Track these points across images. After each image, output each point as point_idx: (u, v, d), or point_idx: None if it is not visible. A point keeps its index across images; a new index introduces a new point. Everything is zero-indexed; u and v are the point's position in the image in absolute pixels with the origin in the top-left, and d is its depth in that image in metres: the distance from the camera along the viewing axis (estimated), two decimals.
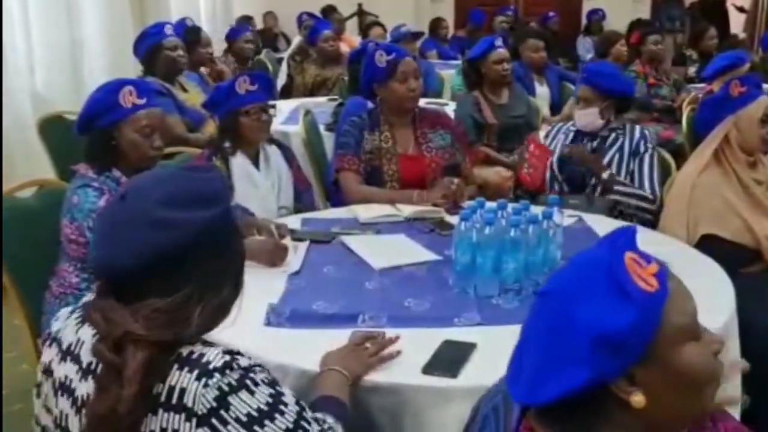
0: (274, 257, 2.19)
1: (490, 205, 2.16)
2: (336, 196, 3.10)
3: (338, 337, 1.72)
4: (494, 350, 1.68)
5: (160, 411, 1.13)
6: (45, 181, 2.73)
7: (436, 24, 8.65)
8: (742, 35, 9.37)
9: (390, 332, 1.76)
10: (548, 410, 0.98)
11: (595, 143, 3.02)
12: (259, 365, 1.21)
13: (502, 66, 4.03)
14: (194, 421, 1.13)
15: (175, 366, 1.15)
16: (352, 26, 9.18)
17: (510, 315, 1.87)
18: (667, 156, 3.12)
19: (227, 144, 2.81)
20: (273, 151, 2.92)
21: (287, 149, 3.05)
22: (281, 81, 6.70)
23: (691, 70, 6.26)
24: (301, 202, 3.00)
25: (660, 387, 0.93)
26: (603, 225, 2.56)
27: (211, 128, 4.03)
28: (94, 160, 2.32)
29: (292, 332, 1.79)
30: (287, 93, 6.32)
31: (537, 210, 2.09)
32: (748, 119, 2.51)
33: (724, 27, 9.30)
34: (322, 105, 4.87)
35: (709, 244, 2.40)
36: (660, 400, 0.93)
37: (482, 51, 4.06)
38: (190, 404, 1.13)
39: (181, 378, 1.14)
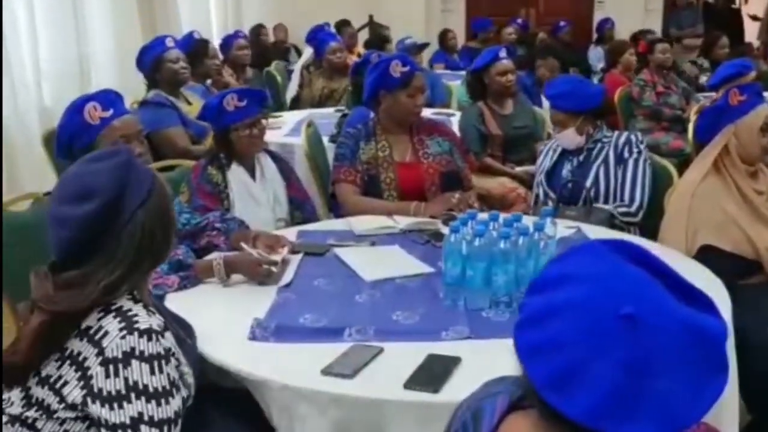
0: (255, 272, 2.15)
1: (482, 216, 2.14)
2: (336, 208, 3.10)
3: (323, 351, 1.70)
4: (480, 364, 1.66)
5: (85, 339, 1.39)
6: (38, 195, 2.72)
7: (444, 35, 8.64)
8: (756, 43, 9.29)
9: (376, 345, 1.74)
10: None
11: (581, 157, 3.00)
12: (177, 361, 1.45)
13: (506, 77, 3.99)
14: (100, 358, 1.38)
15: (110, 314, 1.41)
16: (364, 37, 9.18)
17: (500, 328, 1.84)
18: (669, 165, 3.08)
19: (222, 156, 2.81)
20: (268, 163, 2.91)
21: (283, 162, 3.04)
22: (291, 92, 6.70)
23: (703, 79, 6.19)
24: (304, 211, 2.99)
25: None
26: (602, 236, 2.53)
27: None
28: None
29: (276, 346, 1.77)
30: (297, 104, 6.32)
31: (529, 221, 2.07)
32: (748, 128, 2.46)
33: (739, 35, 9.22)
34: (329, 116, 4.86)
35: (708, 255, 2.35)
36: None
37: (486, 62, 4.04)
38: (104, 344, 1.38)
39: (108, 323, 1.39)
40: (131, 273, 1.43)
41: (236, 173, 2.80)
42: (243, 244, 2.26)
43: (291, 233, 2.60)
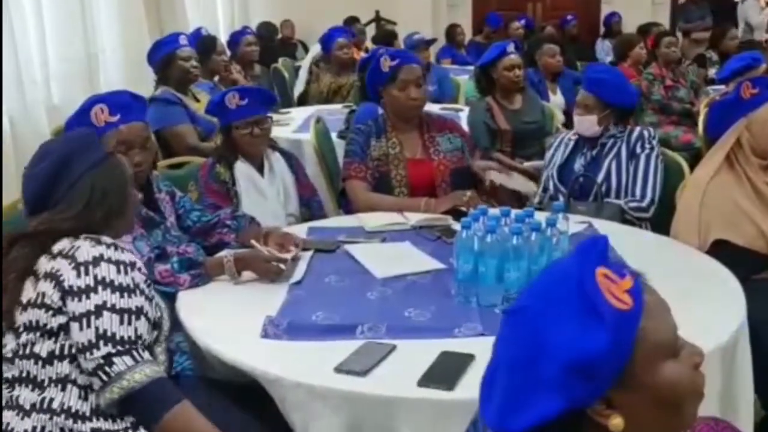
0: (265, 269, 2.14)
1: (494, 211, 2.13)
2: (346, 204, 3.09)
3: (336, 349, 1.70)
4: None
5: (59, 258, 1.59)
6: None
7: (452, 30, 8.62)
8: (766, 36, 9.23)
9: (388, 343, 1.73)
10: None
11: (594, 152, 2.97)
12: (146, 278, 1.67)
13: (514, 72, 3.98)
14: (72, 264, 1.57)
15: (82, 239, 1.62)
16: (371, 33, 9.17)
17: None
18: (681, 160, 3.06)
19: (228, 153, 2.81)
20: (277, 158, 2.91)
21: (291, 157, 3.03)
22: (299, 89, 6.70)
23: (711, 72, 6.16)
24: (311, 208, 2.99)
25: (639, 408, 0.89)
26: (613, 231, 2.51)
27: None
28: None
29: (289, 344, 1.77)
30: (305, 100, 6.31)
31: (541, 217, 2.05)
32: (761, 122, 2.43)
33: None
34: (336, 112, 4.86)
35: (721, 250, 2.33)
36: (640, 421, 0.89)
37: (493, 57, 4.02)
38: (77, 255, 1.58)
39: (81, 243, 1.61)
40: (80, 221, 1.66)
41: (243, 169, 2.81)
42: (254, 242, 2.25)
43: (301, 230, 2.59)
